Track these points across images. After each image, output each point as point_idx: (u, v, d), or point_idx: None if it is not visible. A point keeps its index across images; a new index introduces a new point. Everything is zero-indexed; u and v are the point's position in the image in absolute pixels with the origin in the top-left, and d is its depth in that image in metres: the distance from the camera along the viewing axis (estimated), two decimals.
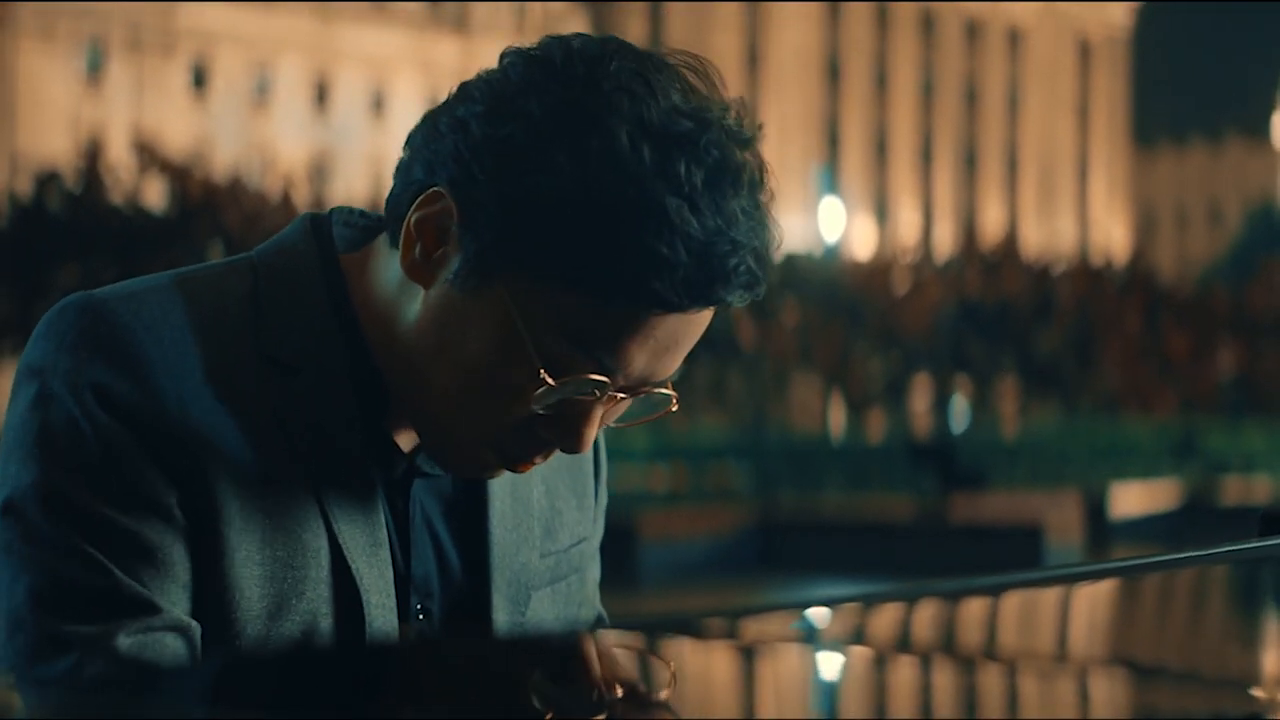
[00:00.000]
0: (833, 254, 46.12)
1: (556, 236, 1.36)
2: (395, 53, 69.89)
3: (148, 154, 38.79)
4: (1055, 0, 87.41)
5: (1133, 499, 26.24)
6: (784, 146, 75.71)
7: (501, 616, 1.53)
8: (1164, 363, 49.16)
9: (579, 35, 1.41)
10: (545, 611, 1.57)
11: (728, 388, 42.22)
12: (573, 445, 1.43)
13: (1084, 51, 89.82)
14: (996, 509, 22.38)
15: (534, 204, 1.36)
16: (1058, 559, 18.46)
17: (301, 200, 39.54)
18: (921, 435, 33.58)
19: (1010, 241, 53.98)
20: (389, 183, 1.48)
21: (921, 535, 20.25)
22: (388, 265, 1.47)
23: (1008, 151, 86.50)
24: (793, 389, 45.15)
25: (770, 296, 41.50)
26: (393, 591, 1.46)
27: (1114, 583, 1.43)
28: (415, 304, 1.44)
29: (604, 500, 1.68)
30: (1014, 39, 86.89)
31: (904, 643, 1.19)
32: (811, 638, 1.20)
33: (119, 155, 42.73)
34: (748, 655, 1.15)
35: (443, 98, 1.45)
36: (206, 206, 36.35)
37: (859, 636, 1.20)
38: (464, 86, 1.42)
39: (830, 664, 1.13)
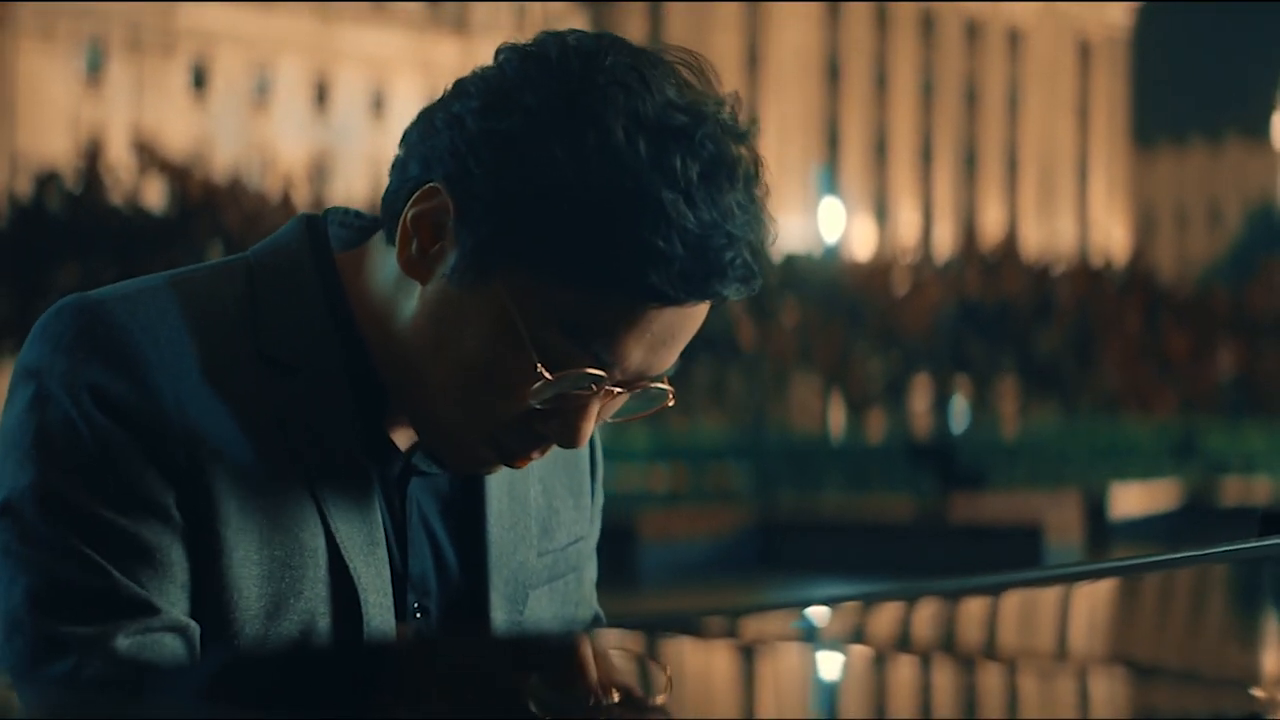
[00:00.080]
0: (832, 254, 46.12)
1: (553, 231, 1.36)
2: (395, 53, 69.90)
3: (147, 154, 38.80)
4: (1055, 0, 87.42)
5: (1133, 499, 26.25)
6: (784, 147, 75.72)
7: (499, 615, 1.53)
8: (1164, 363, 49.17)
9: (574, 31, 1.41)
10: (543, 610, 1.57)
11: (728, 388, 42.21)
12: (570, 440, 1.43)
13: (1084, 51, 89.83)
14: (996, 509, 22.39)
15: (530, 198, 1.36)
16: (1058, 559, 18.45)
17: (301, 200, 39.55)
18: (921, 435, 33.59)
19: (1010, 242, 54.00)
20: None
21: (921, 535, 20.26)
22: (384, 263, 1.47)
23: (1008, 151, 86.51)
24: (793, 389, 45.14)
25: (770, 297, 41.55)
26: (390, 590, 1.46)
27: (1113, 582, 1.43)
28: (412, 300, 1.44)
29: (600, 499, 1.68)
30: (1014, 39, 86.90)
31: (904, 642, 1.19)
32: (811, 637, 1.19)
33: (119, 155, 42.74)
34: (747, 654, 1.15)
35: None
36: (206, 206, 36.36)
37: (858, 636, 1.19)
38: (460, 83, 1.43)
39: (829, 663, 1.13)
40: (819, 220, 43.67)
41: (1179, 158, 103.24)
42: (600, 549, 1.69)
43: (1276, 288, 53.08)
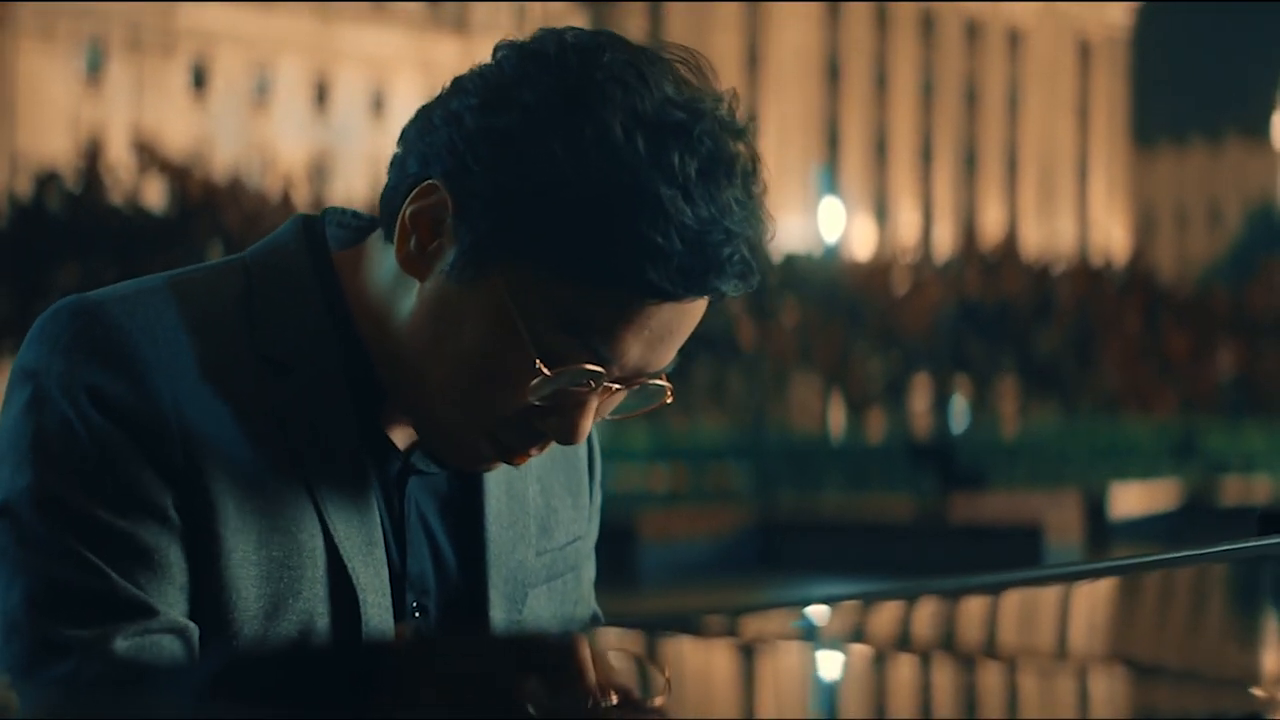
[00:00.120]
0: (832, 254, 46.09)
1: (552, 226, 1.36)
2: (395, 53, 69.89)
3: (147, 154, 38.81)
4: (1055, 0, 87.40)
5: (1132, 499, 26.23)
6: (784, 147, 75.71)
7: (498, 614, 1.53)
8: (1164, 363, 49.17)
9: (572, 28, 1.41)
10: (541, 609, 1.57)
11: (728, 388, 42.20)
12: (568, 436, 1.43)
13: (1084, 51, 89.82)
14: (996, 509, 22.38)
15: (529, 194, 1.36)
16: (1057, 559, 18.45)
17: (301, 200, 39.55)
18: (921, 435, 33.56)
19: (1010, 241, 54.01)
20: None
21: (921, 535, 20.24)
22: (382, 261, 1.47)
23: (1008, 151, 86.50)
24: (793, 389, 45.13)
25: (770, 296, 41.54)
26: (389, 590, 1.46)
27: (1113, 582, 1.43)
28: (410, 298, 1.44)
29: (599, 499, 1.68)
30: (1014, 39, 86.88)
31: (903, 641, 1.19)
32: (811, 636, 1.19)
33: (119, 155, 42.73)
34: (746, 654, 1.15)
35: None
36: (206, 206, 36.36)
37: (858, 635, 1.19)
38: (458, 80, 1.43)
39: (829, 662, 1.13)
40: (819, 220, 43.65)
41: (1179, 158, 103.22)
42: (600, 549, 1.69)
43: (1276, 288, 53.09)
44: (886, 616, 1.25)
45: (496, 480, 1.55)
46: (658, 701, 1.00)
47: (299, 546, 1.42)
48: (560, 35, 1.40)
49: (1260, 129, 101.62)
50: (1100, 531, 22.63)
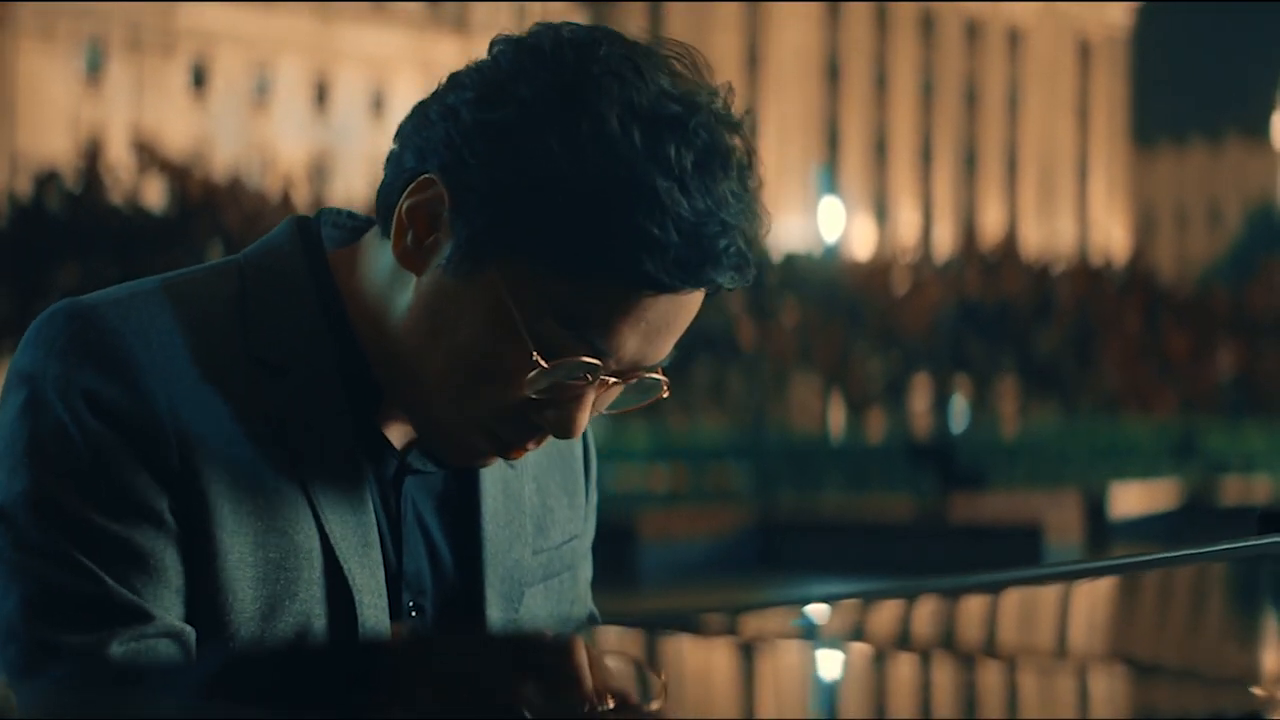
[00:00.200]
0: (832, 254, 46.12)
1: (548, 219, 1.37)
2: (395, 53, 69.91)
3: (147, 154, 38.81)
4: (1055, 0, 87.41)
5: (1132, 499, 26.24)
6: (784, 147, 75.73)
7: (495, 613, 1.53)
8: (1164, 363, 49.17)
9: (568, 24, 1.42)
10: (538, 608, 1.57)
11: (728, 388, 42.21)
12: (565, 430, 1.43)
13: (1084, 51, 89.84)
14: (996, 509, 22.39)
15: (525, 187, 1.37)
16: (1057, 559, 18.45)
17: (301, 200, 39.55)
18: (921, 435, 33.57)
19: (1010, 241, 54.02)
20: None
21: (921, 535, 20.25)
22: (378, 257, 1.47)
23: (1008, 151, 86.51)
24: (792, 389, 45.13)
25: (770, 296, 41.56)
26: (385, 591, 1.46)
27: (1112, 581, 1.43)
28: (407, 293, 1.44)
29: (594, 499, 1.68)
30: (1014, 39, 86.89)
31: (903, 640, 1.19)
32: (810, 635, 1.19)
33: (119, 155, 42.74)
34: (746, 652, 1.14)
35: None
36: (206, 206, 36.36)
37: (858, 634, 1.19)
38: (454, 76, 1.43)
39: (828, 661, 1.13)
40: (819, 220, 43.68)
41: (1179, 158, 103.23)
42: (600, 549, 1.69)
43: (1276, 288, 53.09)
44: (886, 616, 1.25)
45: (493, 479, 1.55)
46: (656, 701, 1.00)
47: (295, 548, 1.42)
48: (556, 30, 1.40)
49: (1260, 129, 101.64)
50: (1100, 531, 22.64)
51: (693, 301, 1.41)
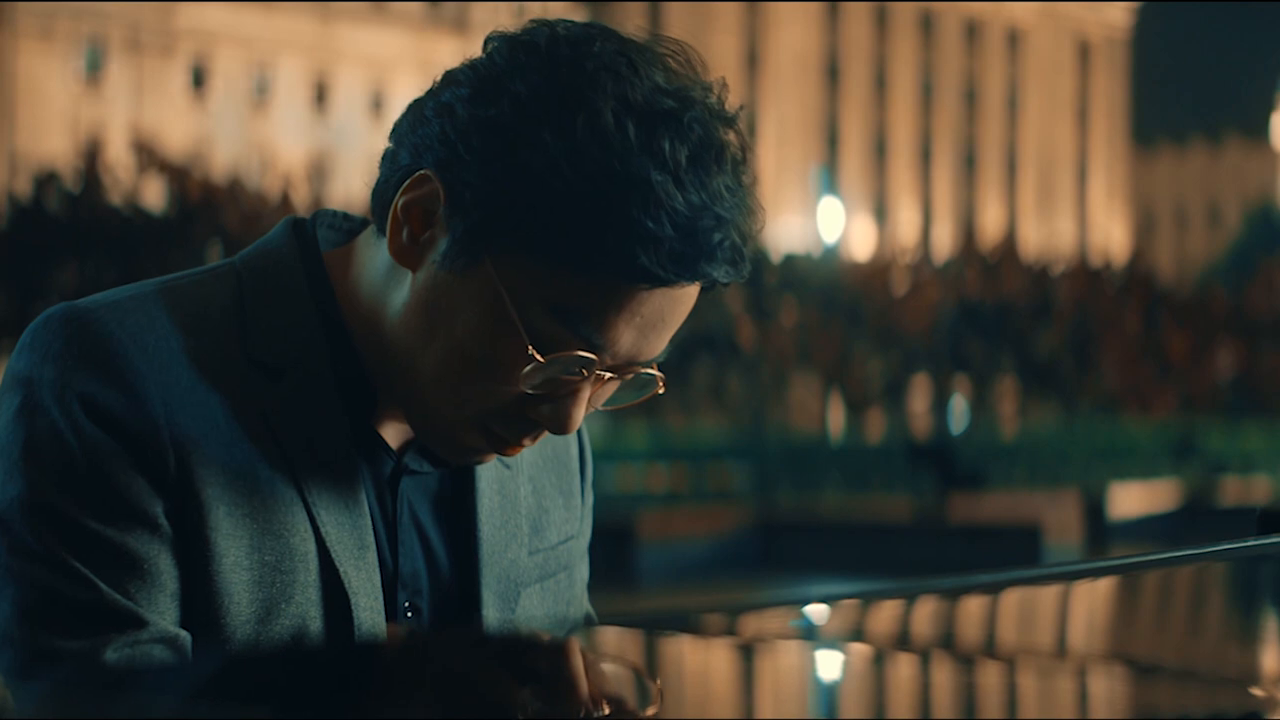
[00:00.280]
0: (832, 254, 46.14)
1: (543, 215, 1.37)
2: (395, 53, 69.92)
3: (147, 154, 38.82)
4: (1055, 0, 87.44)
5: (1132, 499, 26.24)
6: (783, 147, 75.75)
7: (491, 614, 1.53)
8: (1163, 363, 49.19)
9: (563, 20, 1.42)
10: (534, 609, 1.58)
11: (727, 388, 42.20)
12: (561, 425, 1.43)
13: (1084, 52, 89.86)
14: (996, 509, 22.39)
15: (521, 182, 1.37)
16: (1057, 559, 18.45)
17: (301, 200, 39.56)
18: (920, 435, 33.58)
19: (1009, 242, 54.05)
20: None
21: (921, 535, 20.25)
22: (374, 255, 1.48)
23: (1007, 152, 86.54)
24: (792, 389, 45.12)
25: (770, 296, 41.57)
26: (381, 594, 1.46)
27: (1112, 581, 1.42)
28: (403, 290, 1.45)
29: (590, 499, 1.68)
30: (1014, 39, 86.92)
31: (902, 640, 1.18)
32: (809, 635, 1.19)
33: (118, 155, 42.75)
34: (745, 652, 1.14)
35: None
36: (206, 206, 36.36)
37: (857, 633, 1.19)
38: (450, 73, 1.44)
39: (827, 661, 1.12)
40: (818, 220, 43.71)
41: (1179, 158, 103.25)
42: (599, 548, 1.69)
43: (1276, 288, 53.11)
44: (886, 616, 1.25)
45: (489, 480, 1.55)
46: (655, 701, 1.00)
47: (291, 551, 1.42)
48: (551, 27, 1.41)
49: (1260, 129, 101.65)
50: (1100, 531, 22.64)
51: (688, 296, 1.41)
